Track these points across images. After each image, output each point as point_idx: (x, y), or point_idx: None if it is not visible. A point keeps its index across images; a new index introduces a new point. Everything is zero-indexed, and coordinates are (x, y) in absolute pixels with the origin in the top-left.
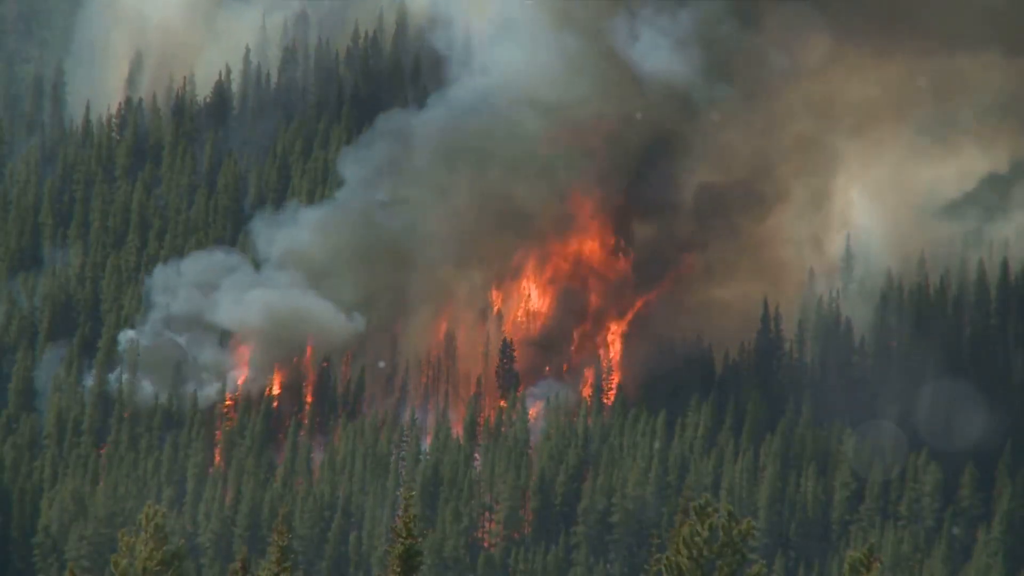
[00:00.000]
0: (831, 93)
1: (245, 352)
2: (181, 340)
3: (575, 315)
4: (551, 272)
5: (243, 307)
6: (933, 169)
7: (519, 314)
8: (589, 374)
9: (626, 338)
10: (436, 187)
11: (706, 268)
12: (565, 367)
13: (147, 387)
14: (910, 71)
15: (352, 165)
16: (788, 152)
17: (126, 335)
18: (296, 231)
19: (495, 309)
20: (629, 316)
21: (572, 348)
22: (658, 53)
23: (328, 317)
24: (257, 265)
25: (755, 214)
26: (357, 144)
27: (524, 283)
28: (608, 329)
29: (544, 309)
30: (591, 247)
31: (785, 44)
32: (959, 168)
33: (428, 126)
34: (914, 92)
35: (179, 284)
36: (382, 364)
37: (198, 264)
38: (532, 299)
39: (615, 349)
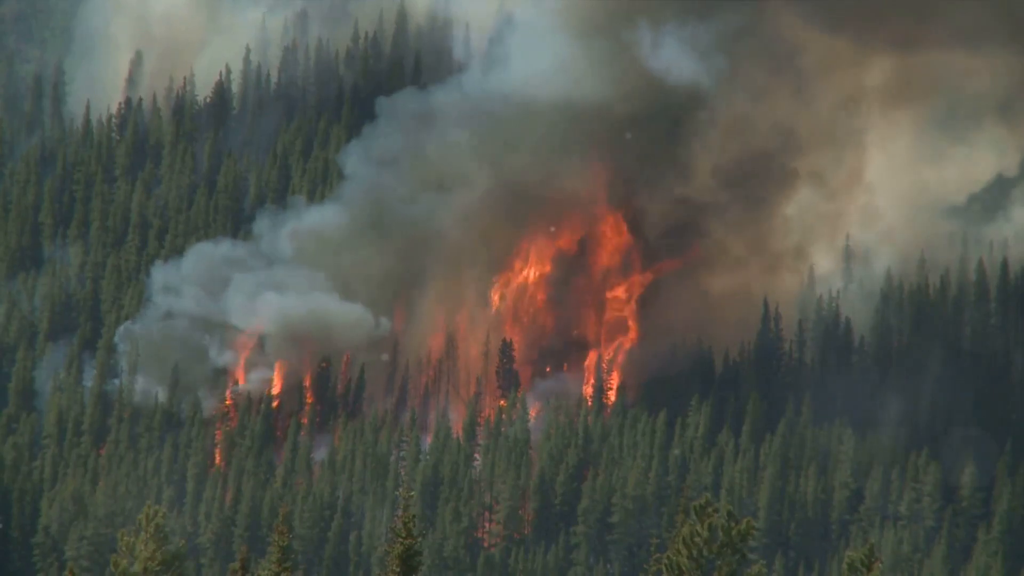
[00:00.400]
0: (848, 91)
1: (245, 351)
2: (181, 338)
3: (579, 296)
4: (559, 259)
5: (243, 304)
6: (941, 170)
7: (524, 292)
8: (590, 374)
9: (634, 316)
10: (443, 179)
11: (711, 255)
12: (565, 366)
13: (147, 387)
14: (927, 71)
15: (355, 160)
16: (798, 147)
17: (124, 329)
18: (301, 227)
19: (494, 307)
20: (636, 295)
21: (575, 333)
22: (674, 54)
23: (335, 316)
24: (262, 260)
25: (760, 206)
26: (360, 137)
27: (530, 270)
28: (612, 311)
29: (548, 293)
30: (601, 236)
31: (803, 47)
32: (968, 170)
33: (436, 117)
34: (930, 92)
35: (181, 280)
36: (385, 357)
37: (201, 259)
38: (536, 283)
39: (620, 338)
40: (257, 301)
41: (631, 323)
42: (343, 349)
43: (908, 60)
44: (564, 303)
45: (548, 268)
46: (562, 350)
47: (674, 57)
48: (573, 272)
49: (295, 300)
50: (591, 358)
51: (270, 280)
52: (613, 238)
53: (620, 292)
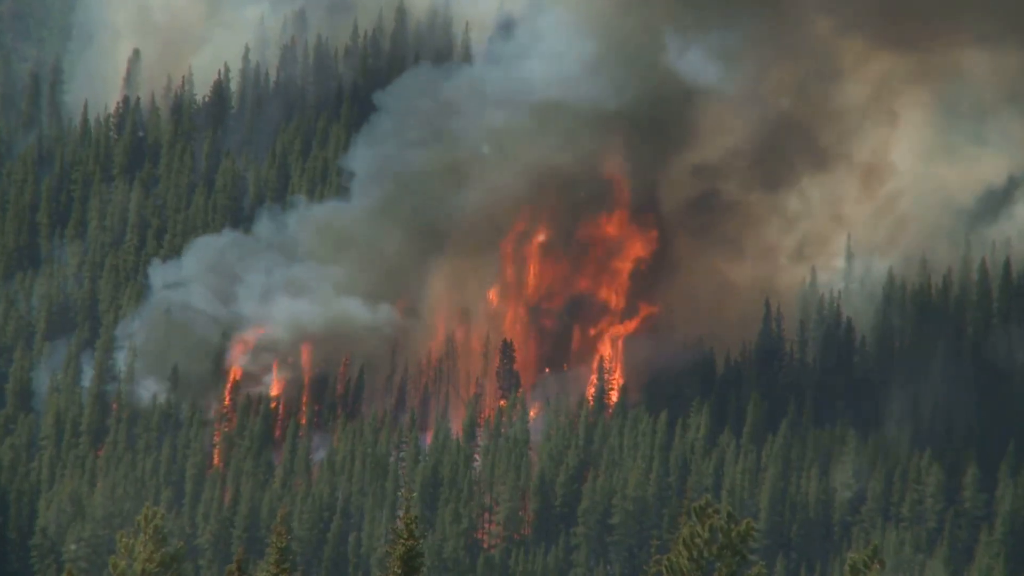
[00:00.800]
0: (863, 89)
1: (245, 349)
2: (180, 338)
3: (587, 262)
4: (566, 228)
5: (244, 302)
6: (951, 170)
7: (530, 262)
8: (591, 374)
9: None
10: (451, 170)
11: (722, 239)
12: (566, 366)
13: (145, 387)
14: (943, 70)
15: (359, 157)
16: (810, 144)
17: (122, 329)
18: (305, 221)
19: (494, 305)
20: (642, 264)
21: (582, 291)
22: (686, 52)
23: (340, 316)
24: (262, 257)
25: (767, 202)
26: (360, 133)
27: (538, 236)
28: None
29: (555, 255)
30: (611, 211)
31: (822, 51)
32: (978, 170)
33: (445, 111)
34: (943, 90)
35: (181, 278)
36: (388, 330)
37: (202, 255)
38: (543, 248)
39: (618, 326)
40: (257, 297)
41: (633, 291)
42: (350, 348)
43: (924, 59)
44: (571, 267)
45: (553, 235)
46: (568, 314)
47: (686, 54)
48: (580, 240)
49: (296, 296)
50: (594, 356)
51: (272, 276)
52: (623, 214)
53: (628, 261)
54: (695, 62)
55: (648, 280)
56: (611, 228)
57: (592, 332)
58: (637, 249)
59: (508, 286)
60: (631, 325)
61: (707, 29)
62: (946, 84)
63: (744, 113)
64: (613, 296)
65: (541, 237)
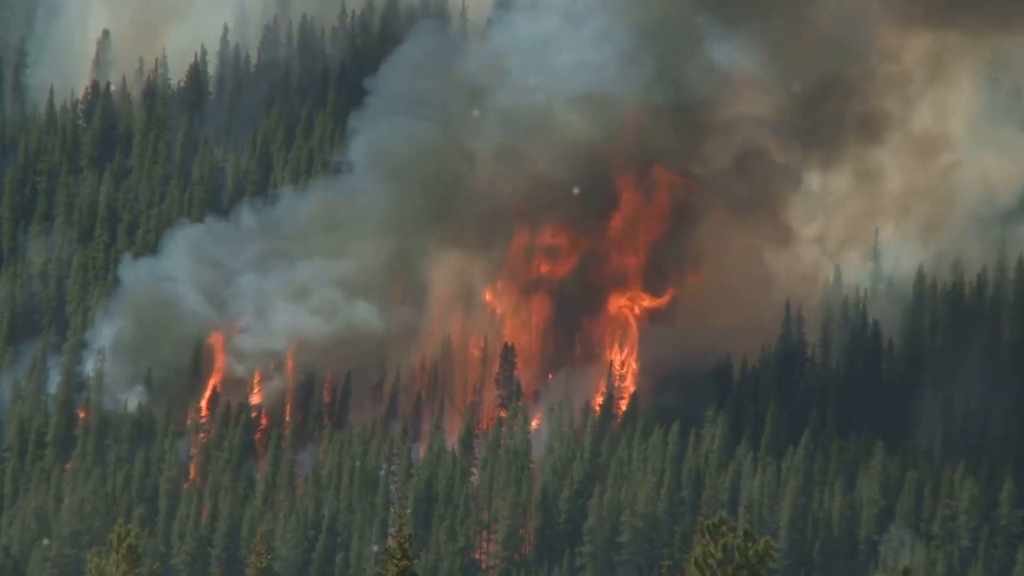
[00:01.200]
0: (908, 77)
1: (225, 353)
2: (154, 340)
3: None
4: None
5: (225, 301)
6: (993, 161)
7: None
8: (598, 380)
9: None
10: (447, 168)
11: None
12: (572, 363)
13: (116, 395)
14: (994, 57)
15: (356, 139)
16: (842, 132)
17: (92, 331)
18: (287, 216)
19: (491, 308)
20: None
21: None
22: (732, 43)
23: (322, 316)
24: (241, 256)
25: (789, 194)
26: (350, 122)
27: (538, 262)
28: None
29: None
30: (635, 203)
31: (862, 35)
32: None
33: (450, 95)
34: (986, 78)
35: (156, 276)
36: (379, 331)
37: (176, 251)
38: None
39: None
40: (240, 295)
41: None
42: (337, 352)
43: (970, 43)
44: (584, 234)
45: (569, 208)
46: (579, 274)
47: (721, 41)
48: (599, 212)
49: (282, 294)
50: (604, 358)
51: (255, 272)
52: (645, 193)
53: (648, 234)
54: (731, 48)
55: (666, 258)
56: (633, 203)
57: (602, 307)
58: (660, 222)
59: (515, 262)
60: (647, 302)
61: (741, 15)
62: (993, 69)
63: (777, 96)
64: (629, 265)
65: (554, 212)
